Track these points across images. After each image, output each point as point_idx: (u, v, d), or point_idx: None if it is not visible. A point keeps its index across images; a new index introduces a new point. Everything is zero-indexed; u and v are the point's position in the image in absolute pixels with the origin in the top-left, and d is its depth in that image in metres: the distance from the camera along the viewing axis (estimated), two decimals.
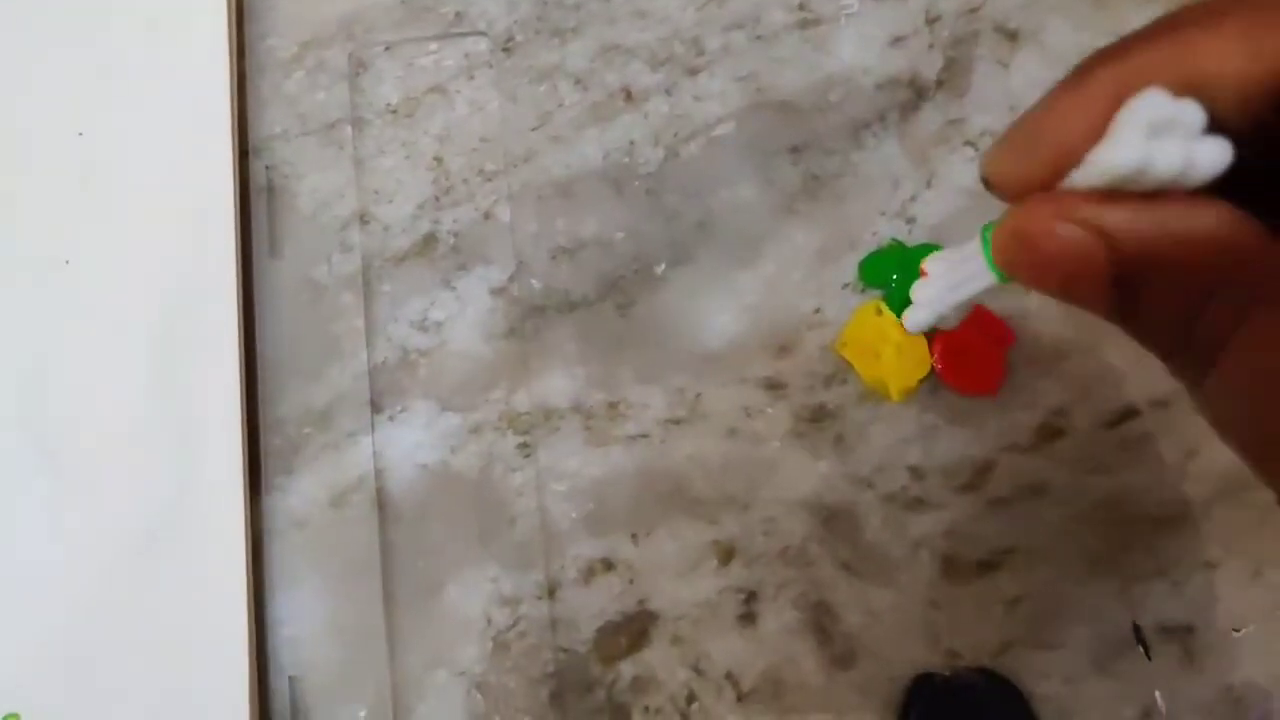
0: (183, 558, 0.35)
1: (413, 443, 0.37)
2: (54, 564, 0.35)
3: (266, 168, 0.40)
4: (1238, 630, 0.35)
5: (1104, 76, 0.17)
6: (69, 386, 0.36)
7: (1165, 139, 0.16)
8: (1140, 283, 0.17)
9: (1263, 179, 0.17)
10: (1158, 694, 0.35)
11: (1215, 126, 0.16)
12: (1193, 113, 0.16)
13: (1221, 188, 0.17)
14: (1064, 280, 0.17)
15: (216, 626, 0.34)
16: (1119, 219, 0.17)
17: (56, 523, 0.35)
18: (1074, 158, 0.17)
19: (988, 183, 0.19)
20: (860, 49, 0.42)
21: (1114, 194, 0.17)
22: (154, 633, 0.34)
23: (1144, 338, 0.18)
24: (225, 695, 0.33)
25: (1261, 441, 0.17)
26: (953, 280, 0.31)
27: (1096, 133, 0.16)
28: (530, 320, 0.39)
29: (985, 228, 0.24)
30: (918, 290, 0.33)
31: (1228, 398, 0.17)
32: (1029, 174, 0.18)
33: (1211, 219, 0.16)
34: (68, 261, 0.37)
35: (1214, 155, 0.16)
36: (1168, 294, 0.17)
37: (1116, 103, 0.16)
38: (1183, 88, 0.16)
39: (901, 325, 0.37)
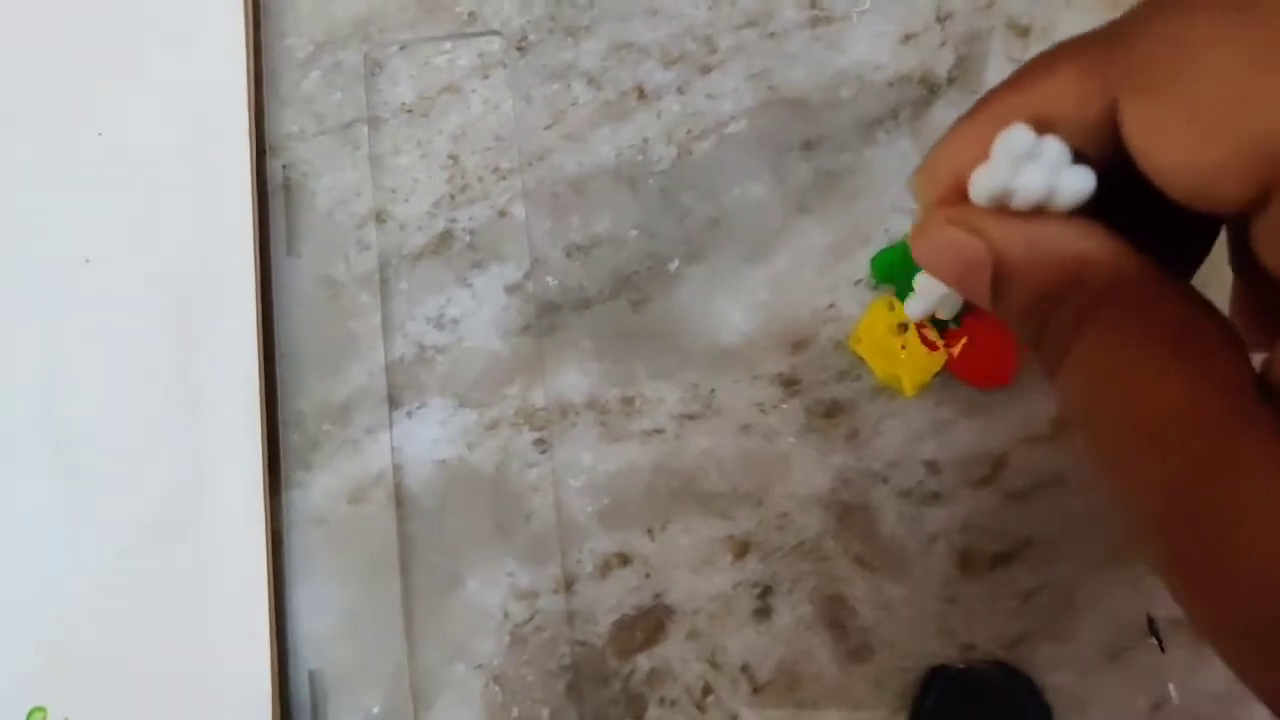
0: (203, 553, 0.35)
1: (430, 439, 0.38)
2: (76, 560, 0.35)
3: (284, 167, 0.40)
4: None
5: (984, 116, 0.21)
6: (88, 383, 0.37)
7: (1029, 166, 0.19)
8: (1010, 283, 0.20)
9: (1150, 201, 0.19)
10: (1171, 685, 0.35)
11: (1082, 158, 0.19)
12: (1052, 145, 0.19)
13: (1118, 210, 0.20)
14: (955, 271, 0.21)
15: (238, 621, 0.34)
16: (992, 226, 0.20)
17: (77, 519, 0.35)
18: (964, 184, 0.21)
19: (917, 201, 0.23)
20: (872, 46, 0.42)
21: (1002, 209, 0.20)
22: (176, 627, 0.34)
23: (1014, 331, 0.21)
24: (247, 688, 0.34)
25: (1091, 442, 0.19)
26: None
27: (981, 161, 0.20)
28: (545, 317, 0.39)
29: None
30: (919, 279, 0.35)
31: (1067, 396, 0.20)
32: (938, 194, 0.22)
33: (1071, 236, 0.20)
34: (88, 260, 0.38)
35: (1077, 181, 0.19)
36: (1027, 295, 0.20)
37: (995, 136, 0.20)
38: (1040, 125, 0.19)
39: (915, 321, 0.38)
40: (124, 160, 0.39)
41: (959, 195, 0.21)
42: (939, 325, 0.37)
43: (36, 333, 0.37)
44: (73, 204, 0.38)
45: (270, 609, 0.35)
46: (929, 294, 0.34)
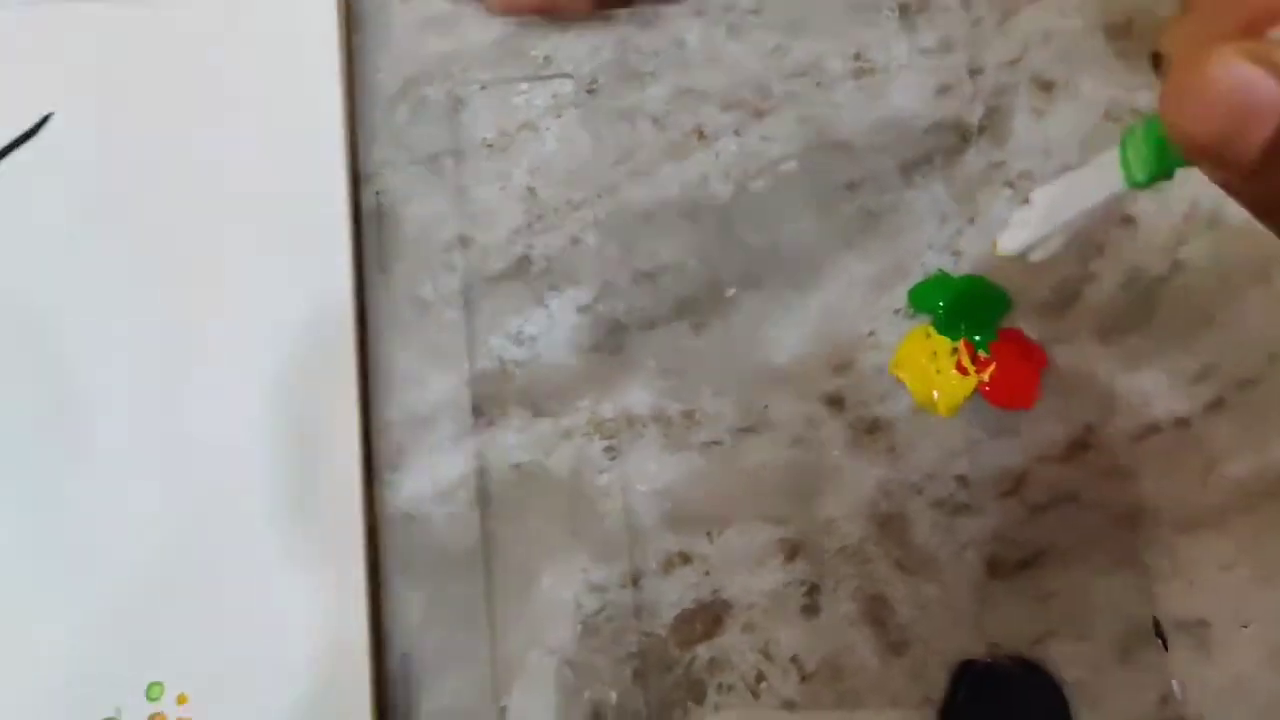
0: (307, 545, 0.39)
1: (509, 445, 0.41)
2: (192, 550, 0.39)
3: (376, 193, 0.44)
4: (1246, 626, 0.39)
5: None
6: (205, 395, 0.40)
7: None
8: None
9: None
10: (1174, 682, 0.39)
11: None
12: None
13: None
14: (1232, 113, 0.17)
15: (339, 607, 0.38)
16: None
17: (198, 513, 0.39)
18: (1270, 18, 0.18)
19: (1159, 57, 0.21)
20: (910, 96, 0.46)
21: None
22: (282, 611, 0.38)
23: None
24: (347, 669, 0.37)
25: None
26: (1069, 197, 0.30)
27: None
28: (614, 336, 0.43)
29: (1128, 133, 0.25)
30: (1020, 213, 0.32)
31: None
32: (1218, 36, 0.18)
33: None
34: (201, 279, 0.41)
35: None
36: None
37: None
38: None
39: (948, 347, 0.42)
40: (234, 187, 0.43)
41: (1246, 33, 0.18)
42: (977, 344, 0.41)
43: (158, 350, 0.41)
44: (190, 229, 0.42)
45: (367, 596, 0.38)
46: (1041, 222, 0.32)
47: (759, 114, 0.46)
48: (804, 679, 0.39)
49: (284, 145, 0.43)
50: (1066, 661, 0.39)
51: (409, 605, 0.40)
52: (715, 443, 0.41)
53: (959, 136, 0.45)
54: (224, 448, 0.40)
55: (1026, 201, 0.32)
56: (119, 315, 0.41)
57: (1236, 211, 0.21)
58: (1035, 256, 0.33)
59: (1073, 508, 0.41)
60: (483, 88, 0.46)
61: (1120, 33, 0.46)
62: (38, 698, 0.37)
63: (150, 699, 0.37)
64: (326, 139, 0.43)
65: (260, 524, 0.39)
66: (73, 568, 0.38)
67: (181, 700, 0.37)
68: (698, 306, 0.43)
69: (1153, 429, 0.41)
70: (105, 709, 0.37)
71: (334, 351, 0.41)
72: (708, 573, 0.40)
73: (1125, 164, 0.26)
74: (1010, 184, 0.45)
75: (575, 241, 0.44)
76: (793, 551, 0.40)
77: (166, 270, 0.42)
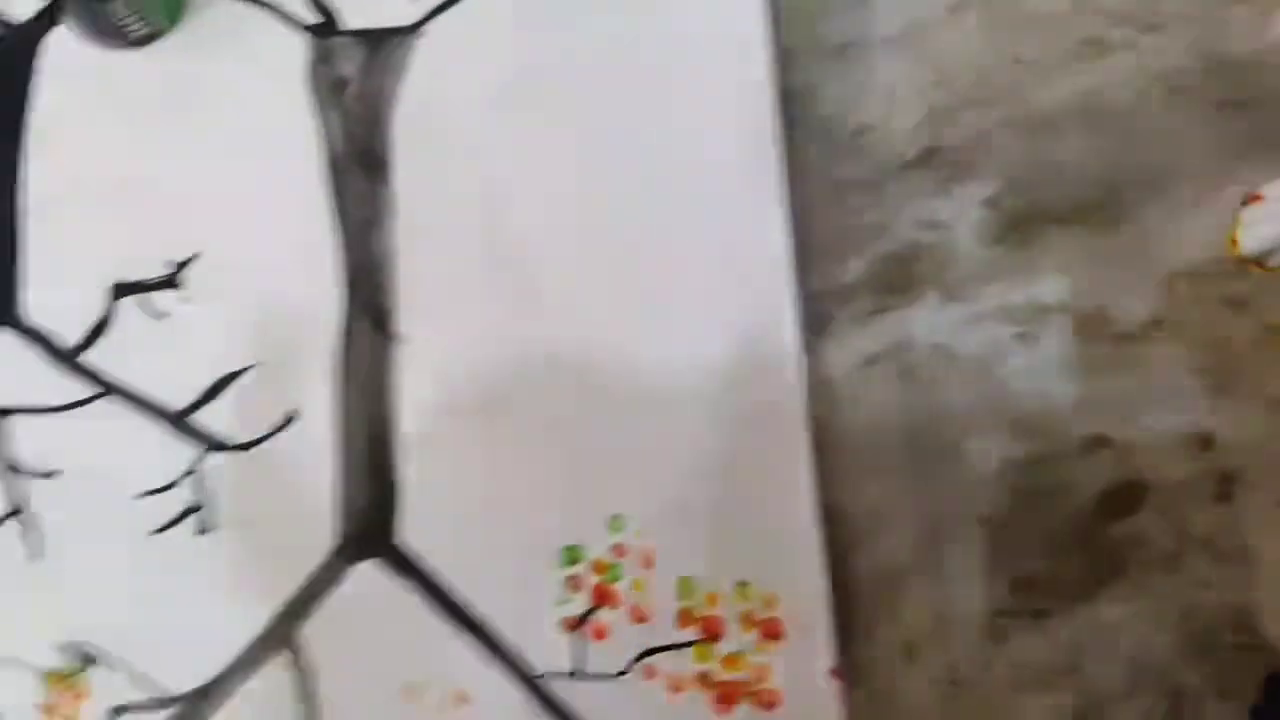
0: (752, 404, 0.41)
1: (923, 325, 0.43)
2: (650, 404, 0.41)
3: (793, 77, 0.45)
4: None
5: None
6: (642, 262, 0.43)
7: None
8: None
9: None
10: None
11: None
12: None
13: None
14: None
15: (782, 461, 0.40)
16: None
17: (650, 369, 0.41)
18: None
19: None
20: None
21: None
22: (736, 460, 0.40)
23: None
24: (794, 517, 0.40)
25: None
26: None
27: None
28: (1018, 229, 0.44)
29: None
30: (1253, 212, 0.34)
31: None
32: None
33: None
34: (627, 157, 0.44)
35: None
36: None
37: None
38: None
39: None
40: (668, 65, 0.44)
41: None
42: None
43: (598, 215, 0.43)
44: (612, 105, 0.44)
45: (807, 451, 0.40)
46: (1275, 225, 0.34)
47: (1153, 28, 0.47)
48: (1215, 559, 0.41)
49: (709, 32, 0.45)
50: None
51: (843, 465, 0.41)
52: (1127, 335, 0.43)
53: None
54: (668, 306, 0.42)
55: (1257, 199, 0.32)
56: (549, 171, 0.43)
57: None
58: (1275, 261, 0.36)
59: None
60: None
61: None
62: (507, 528, 0.40)
63: (613, 530, 0.40)
64: (751, 27, 0.45)
65: (707, 380, 0.41)
66: (536, 410, 0.41)
67: (640, 534, 0.39)
68: (1098, 207, 0.45)
69: None
70: (568, 538, 0.40)
71: (763, 223, 0.43)
72: (1126, 455, 0.42)
73: None
74: None
75: (979, 136, 0.45)
76: (1207, 443, 0.42)
77: (591, 142, 0.44)
